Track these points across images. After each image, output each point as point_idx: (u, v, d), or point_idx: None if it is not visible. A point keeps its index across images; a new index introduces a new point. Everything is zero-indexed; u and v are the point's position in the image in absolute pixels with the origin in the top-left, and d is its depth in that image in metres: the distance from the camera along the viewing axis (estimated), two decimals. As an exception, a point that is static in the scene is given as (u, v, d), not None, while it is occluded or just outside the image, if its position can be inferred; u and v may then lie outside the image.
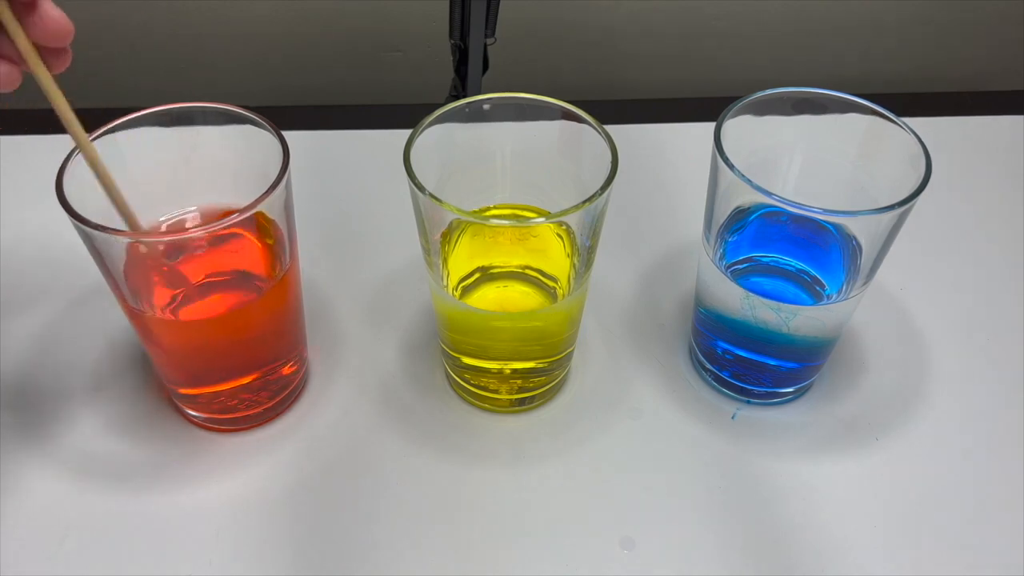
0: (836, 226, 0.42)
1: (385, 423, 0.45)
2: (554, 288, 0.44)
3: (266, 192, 0.36)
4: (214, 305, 0.42)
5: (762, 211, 0.41)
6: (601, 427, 0.45)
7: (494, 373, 0.44)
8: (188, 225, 0.42)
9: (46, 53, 0.33)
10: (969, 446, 0.44)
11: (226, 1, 0.69)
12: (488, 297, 0.44)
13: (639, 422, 0.45)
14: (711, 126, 0.40)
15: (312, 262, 0.52)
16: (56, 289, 0.50)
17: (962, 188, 0.59)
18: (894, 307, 0.51)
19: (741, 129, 0.41)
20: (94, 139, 0.36)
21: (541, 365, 0.44)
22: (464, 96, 0.37)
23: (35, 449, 0.43)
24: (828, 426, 0.45)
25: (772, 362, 0.44)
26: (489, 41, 0.59)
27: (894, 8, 0.72)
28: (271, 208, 0.37)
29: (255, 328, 0.42)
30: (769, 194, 0.37)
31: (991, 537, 0.41)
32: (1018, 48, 0.75)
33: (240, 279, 0.42)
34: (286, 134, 0.38)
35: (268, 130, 0.39)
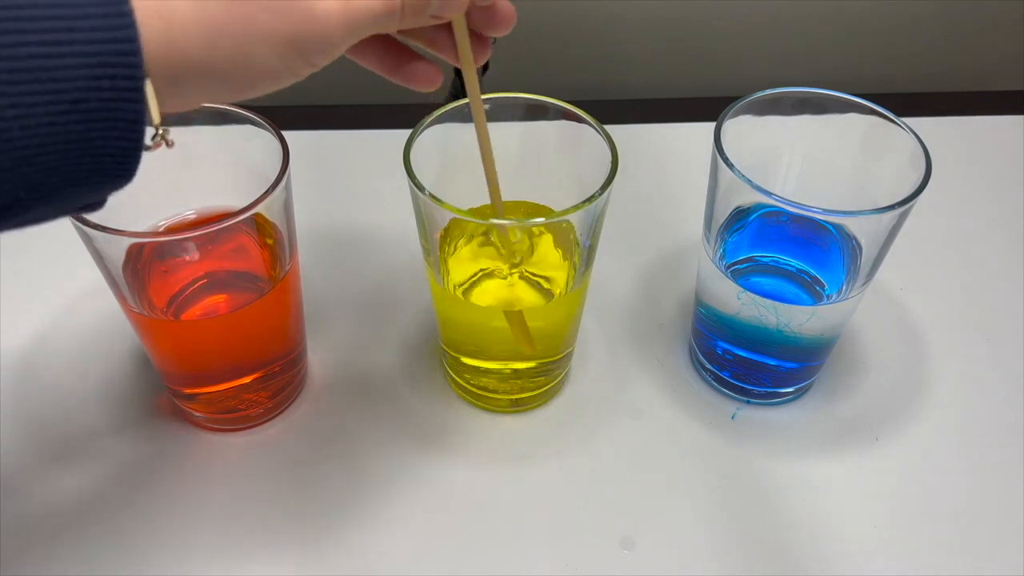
0: (836, 226, 0.42)
1: (385, 423, 0.45)
2: (554, 288, 0.44)
3: (266, 192, 0.36)
4: (214, 306, 0.42)
5: (762, 211, 0.41)
6: (601, 427, 0.45)
7: (494, 373, 0.44)
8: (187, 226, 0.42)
9: (471, 46, 0.34)
10: (969, 446, 0.44)
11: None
12: (488, 297, 0.44)
13: (639, 422, 0.45)
14: (711, 126, 0.40)
15: (312, 262, 0.52)
16: (56, 289, 0.50)
17: (962, 188, 0.59)
18: (894, 307, 0.51)
19: (741, 129, 0.41)
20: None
21: (541, 365, 0.44)
22: (464, 96, 0.37)
23: (35, 449, 0.43)
24: (828, 426, 0.45)
25: (772, 362, 0.44)
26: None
27: (894, 8, 0.72)
28: (271, 208, 0.37)
29: (255, 329, 0.42)
30: (769, 194, 0.37)
31: (991, 537, 0.41)
32: (1018, 48, 0.75)
33: (240, 280, 0.42)
34: (286, 134, 0.38)
35: (268, 130, 0.39)
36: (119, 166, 0.25)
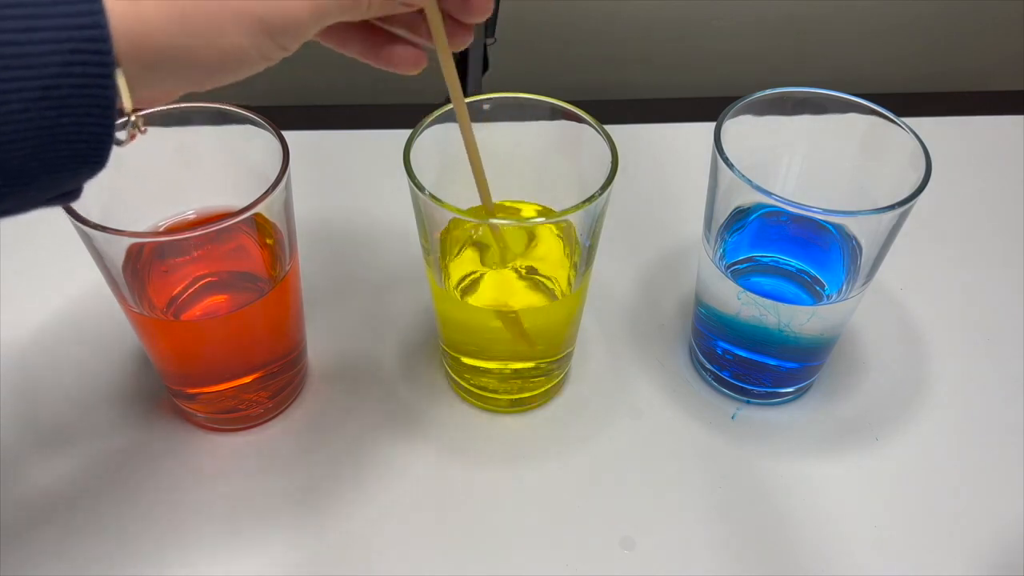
0: (836, 226, 0.42)
1: (385, 423, 0.45)
2: (554, 288, 0.44)
3: (266, 192, 0.36)
4: (214, 306, 0.42)
5: (762, 211, 0.41)
6: (601, 427, 0.45)
7: (494, 373, 0.44)
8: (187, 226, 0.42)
9: (450, 31, 0.34)
10: (969, 446, 0.44)
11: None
12: (488, 297, 0.44)
13: (639, 422, 0.45)
14: (711, 126, 0.40)
15: (312, 262, 0.52)
16: (56, 289, 0.50)
17: (962, 188, 0.59)
18: (894, 307, 0.51)
19: (741, 129, 0.41)
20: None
21: (541, 365, 0.44)
22: (468, 95, 0.37)
23: (35, 449, 0.43)
24: (828, 426, 0.45)
25: (772, 362, 0.44)
26: (489, 41, 0.59)
27: (894, 8, 0.72)
28: (271, 208, 0.37)
29: (255, 329, 0.42)
30: (769, 194, 0.37)
31: (991, 537, 0.41)
32: (1018, 48, 0.75)
33: (240, 280, 0.42)
34: (286, 134, 0.38)
35: (268, 130, 0.39)
36: (93, 152, 0.25)
